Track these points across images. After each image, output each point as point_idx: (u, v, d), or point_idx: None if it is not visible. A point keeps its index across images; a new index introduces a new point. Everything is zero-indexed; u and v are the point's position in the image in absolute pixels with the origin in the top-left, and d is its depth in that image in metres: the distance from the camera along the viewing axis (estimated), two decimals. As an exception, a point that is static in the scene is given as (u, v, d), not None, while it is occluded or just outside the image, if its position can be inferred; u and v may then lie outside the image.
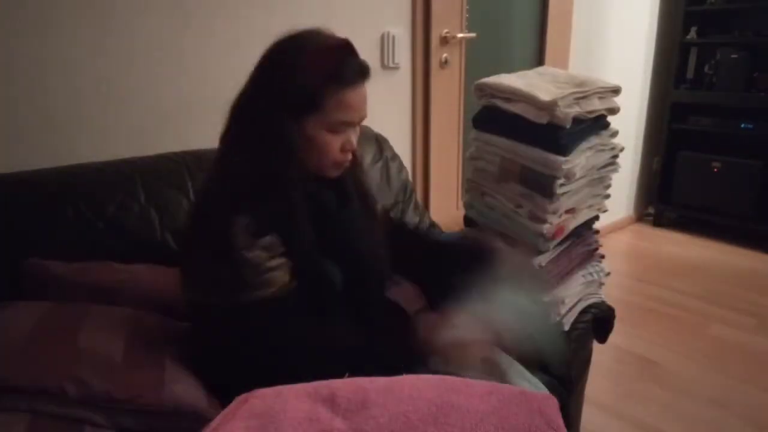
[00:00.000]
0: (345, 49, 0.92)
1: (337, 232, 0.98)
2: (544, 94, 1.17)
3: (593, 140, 1.27)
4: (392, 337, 0.97)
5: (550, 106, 1.15)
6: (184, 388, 0.84)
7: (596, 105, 1.25)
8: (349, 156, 0.96)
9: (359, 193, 1.06)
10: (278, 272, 0.88)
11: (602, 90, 1.26)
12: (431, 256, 1.19)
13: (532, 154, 1.22)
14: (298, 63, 0.89)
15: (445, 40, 2.09)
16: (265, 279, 0.87)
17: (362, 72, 0.93)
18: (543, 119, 1.18)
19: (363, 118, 0.95)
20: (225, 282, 0.87)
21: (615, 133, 1.33)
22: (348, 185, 1.03)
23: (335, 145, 0.93)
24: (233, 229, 0.85)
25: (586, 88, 1.22)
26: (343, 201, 1.02)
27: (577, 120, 1.19)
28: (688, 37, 3.28)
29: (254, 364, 0.86)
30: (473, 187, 1.37)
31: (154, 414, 0.80)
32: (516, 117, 1.22)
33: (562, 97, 1.15)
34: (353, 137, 0.95)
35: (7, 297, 0.95)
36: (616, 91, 1.27)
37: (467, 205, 1.40)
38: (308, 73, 0.88)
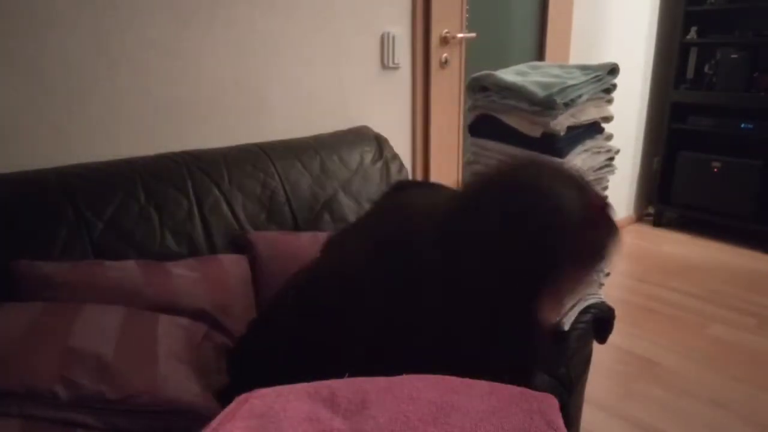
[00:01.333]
0: (603, 215, 0.76)
1: None
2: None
3: (588, 143, 1.27)
4: None
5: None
6: (178, 387, 0.83)
7: (592, 114, 1.25)
8: None
9: None
10: None
11: (597, 98, 1.26)
12: None
13: (529, 156, 1.22)
14: (564, 247, 0.74)
15: (445, 40, 2.09)
16: None
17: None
18: (537, 132, 1.19)
19: None
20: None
21: (609, 137, 1.33)
22: None
23: None
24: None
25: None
26: None
27: (571, 126, 1.20)
28: (688, 37, 3.28)
29: None
30: (472, 188, 1.38)
31: (149, 414, 0.79)
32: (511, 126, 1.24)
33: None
34: None
35: (6, 298, 0.94)
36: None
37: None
38: (575, 261, 0.75)
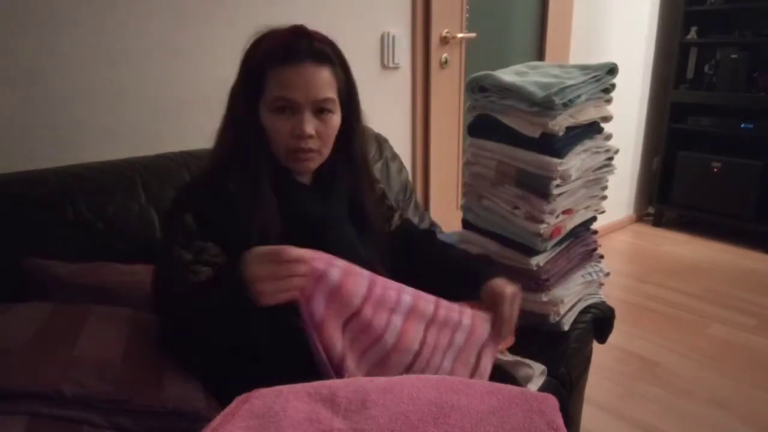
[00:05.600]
0: (292, 31, 0.91)
1: (310, 226, 0.95)
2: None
3: (587, 143, 1.27)
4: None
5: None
6: (184, 388, 0.84)
7: (591, 114, 1.26)
8: (306, 144, 0.91)
9: (356, 198, 1.04)
10: (202, 274, 0.88)
11: (596, 98, 1.27)
12: (433, 268, 1.11)
13: (527, 157, 1.22)
14: (250, 49, 0.92)
15: (445, 40, 2.09)
16: (188, 276, 0.87)
17: (308, 51, 0.89)
18: (536, 132, 1.19)
19: (313, 99, 0.90)
20: (159, 276, 0.91)
21: (609, 137, 1.33)
22: (331, 182, 1.01)
23: (283, 129, 0.90)
24: (175, 229, 0.90)
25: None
26: (323, 197, 1.00)
27: (569, 127, 1.20)
28: (688, 37, 3.28)
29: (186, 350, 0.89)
30: (470, 191, 1.38)
31: (153, 414, 0.80)
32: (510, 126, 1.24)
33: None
34: (305, 124, 0.90)
35: (7, 297, 0.95)
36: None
37: (465, 209, 1.41)
38: (253, 56, 0.90)
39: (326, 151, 0.97)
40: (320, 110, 0.92)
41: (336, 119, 0.95)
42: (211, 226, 0.90)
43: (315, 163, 0.96)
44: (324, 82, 0.91)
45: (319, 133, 0.92)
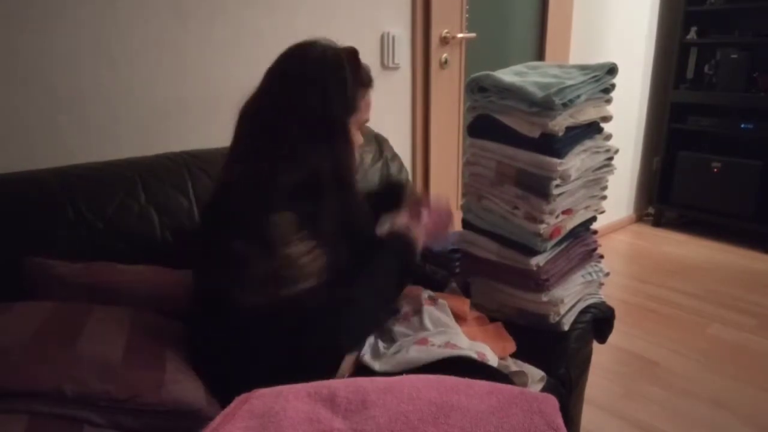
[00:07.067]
0: (357, 54, 1.02)
1: (347, 216, 1.06)
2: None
3: (587, 143, 1.27)
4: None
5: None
6: (184, 388, 0.84)
7: (591, 114, 1.25)
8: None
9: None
10: (316, 264, 0.93)
11: (596, 98, 1.27)
12: None
13: (527, 158, 1.22)
14: (336, 67, 0.97)
15: (445, 40, 2.09)
16: (305, 272, 0.91)
17: (370, 73, 1.05)
18: (535, 133, 1.19)
19: None
20: (272, 278, 0.89)
21: (609, 137, 1.33)
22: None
23: (358, 143, 1.05)
24: (274, 228, 0.89)
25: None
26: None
27: (569, 127, 1.20)
28: (688, 37, 3.28)
29: (311, 347, 0.91)
30: (470, 191, 1.38)
31: (153, 413, 0.80)
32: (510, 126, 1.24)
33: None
34: (361, 138, 1.07)
35: (7, 297, 0.95)
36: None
37: (465, 209, 1.41)
38: (347, 77, 0.97)
39: None
40: None
41: None
42: (306, 220, 0.95)
43: None
44: None
45: None
